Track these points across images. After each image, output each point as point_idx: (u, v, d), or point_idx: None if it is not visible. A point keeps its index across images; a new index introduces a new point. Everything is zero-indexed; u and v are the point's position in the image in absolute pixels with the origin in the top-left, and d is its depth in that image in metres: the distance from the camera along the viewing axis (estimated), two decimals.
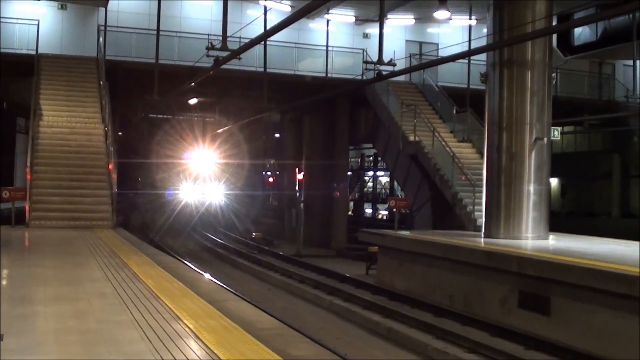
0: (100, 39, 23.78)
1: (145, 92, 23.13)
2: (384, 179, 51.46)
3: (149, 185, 44.51)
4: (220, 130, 33.26)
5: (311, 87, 25.78)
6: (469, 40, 26.61)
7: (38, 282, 8.92)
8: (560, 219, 30.88)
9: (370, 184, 54.17)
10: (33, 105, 20.25)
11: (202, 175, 34.38)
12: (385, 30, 20.09)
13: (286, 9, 26.48)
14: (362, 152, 49.82)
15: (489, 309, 13.36)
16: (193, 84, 20.21)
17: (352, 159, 46.69)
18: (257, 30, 21.24)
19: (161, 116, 36.75)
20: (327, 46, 27.35)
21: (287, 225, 31.23)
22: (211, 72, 17.81)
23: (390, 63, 18.11)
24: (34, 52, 22.88)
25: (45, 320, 6.75)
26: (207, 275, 16.51)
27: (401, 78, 26.20)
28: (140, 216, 39.29)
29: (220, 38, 16.48)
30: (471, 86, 25.27)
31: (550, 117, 16.74)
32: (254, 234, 29.78)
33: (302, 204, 26.77)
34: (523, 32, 15.64)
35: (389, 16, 27.90)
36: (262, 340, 6.13)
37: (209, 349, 5.81)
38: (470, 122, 23.99)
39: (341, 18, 29.08)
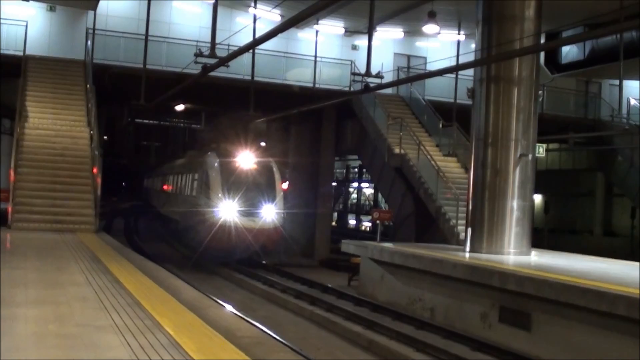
0: (89, 43, 23.72)
1: (132, 97, 23.06)
2: (369, 191, 51.64)
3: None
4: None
5: (299, 97, 25.80)
6: (457, 55, 26.77)
7: (19, 285, 8.84)
8: (542, 236, 31.09)
9: (354, 196, 54.34)
10: (19, 106, 20.13)
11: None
12: (374, 43, 20.12)
13: (276, 18, 26.49)
14: (347, 163, 49.98)
15: (469, 323, 13.40)
16: (180, 90, 20.16)
17: (337, 170, 46.78)
18: (246, 38, 21.25)
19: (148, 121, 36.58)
20: (315, 56, 27.42)
21: None
22: (199, 79, 17.79)
23: (378, 75, 18.12)
24: (21, 53, 22.79)
25: (25, 324, 6.69)
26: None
27: (388, 91, 26.36)
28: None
29: (209, 45, 16.47)
30: (458, 101, 25.43)
31: (536, 134, 16.86)
32: None
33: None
34: (511, 49, 15.77)
35: (378, 29, 28.00)
36: (243, 349, 6.12)
37: (189, 356, 5.78)
38: (456, 137, 24.11)
39: (330, 29, 29.15)
